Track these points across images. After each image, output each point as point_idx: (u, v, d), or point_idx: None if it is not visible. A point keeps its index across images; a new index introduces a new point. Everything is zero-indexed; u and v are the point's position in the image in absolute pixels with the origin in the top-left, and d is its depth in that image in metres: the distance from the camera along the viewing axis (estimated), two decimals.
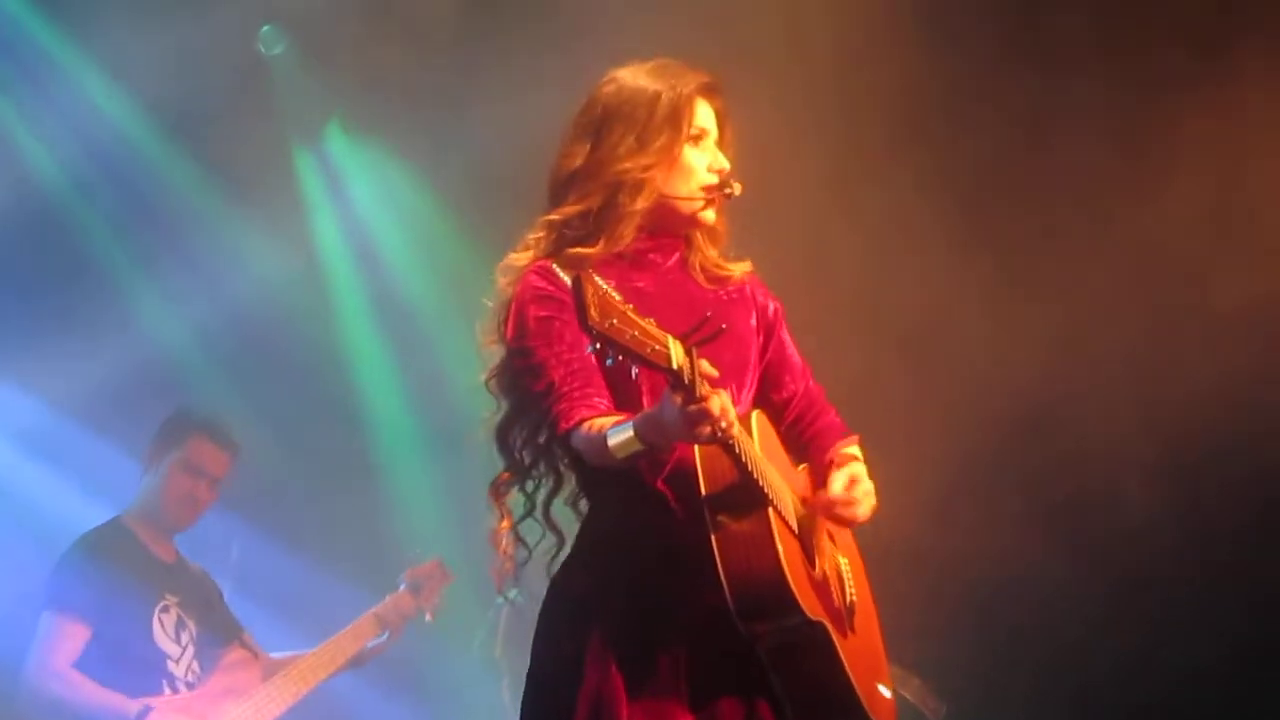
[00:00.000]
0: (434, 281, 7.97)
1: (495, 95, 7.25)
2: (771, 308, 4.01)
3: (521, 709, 3.71)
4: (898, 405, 6.72)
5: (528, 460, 3.77)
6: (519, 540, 3.76)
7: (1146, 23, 6.82)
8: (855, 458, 3.97)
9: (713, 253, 3.91)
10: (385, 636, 6.38)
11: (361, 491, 7.92)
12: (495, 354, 3.78)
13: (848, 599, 3.85)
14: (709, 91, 3.85)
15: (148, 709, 5.79)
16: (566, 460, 3.74)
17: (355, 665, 6.34)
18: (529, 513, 3.78)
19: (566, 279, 3.64)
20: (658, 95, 3.77)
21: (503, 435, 3.78)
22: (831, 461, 3.93)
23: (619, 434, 3.44)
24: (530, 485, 3.78)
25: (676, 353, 3.20)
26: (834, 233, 7.01)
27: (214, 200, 7.72)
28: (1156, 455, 6.82)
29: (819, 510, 3.80)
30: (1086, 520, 6.98)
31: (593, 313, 3.10)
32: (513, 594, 6.92)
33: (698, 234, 3.88)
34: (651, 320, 3.19)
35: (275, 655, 6.29)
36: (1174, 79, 6.72)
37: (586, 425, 3.54)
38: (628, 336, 3.13)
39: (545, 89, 6.59)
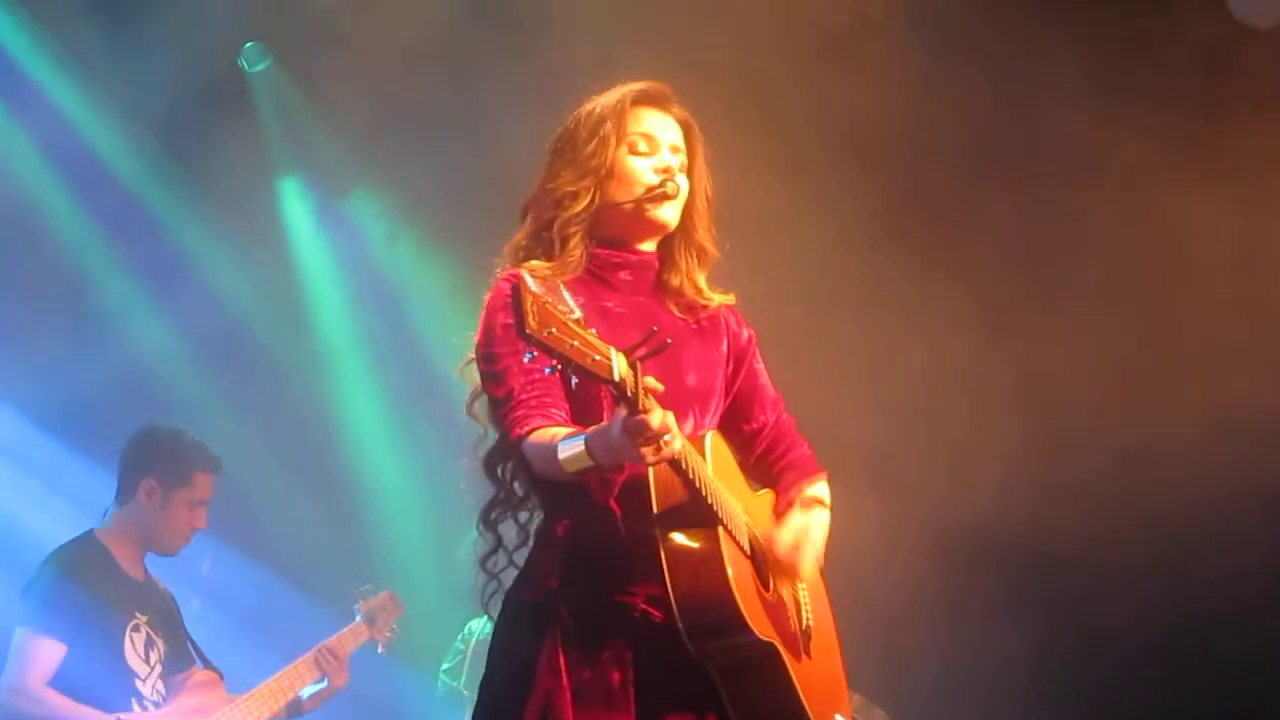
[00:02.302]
0: (412, 301, 7.98)
1: (473, 117, 7.28)
2: (745, 335, 4.01)
3: (474, 715, 3.72)
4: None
5: (520, 491, 3.76)
6: (511, 564, 3.75)
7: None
8: (819, 500, 3.95)
9: (699, 276, 3.92)
10: (324, 683, 6.36)
11: (332, 509, 7.93)
12: (473, 377, 3.78)
13: (804, 623, 3.84)
14: (652, 100, 3.87)
15: None
16: (523, 473, 3.72)
17: (295, 713, 6.32)
18: (522, 543, 3.77)
19: (533, 285, 3.64)
20: (592, 112, 3.83)
21: (491, 465, 3.77)
22: (793, 502, 3.91)
23: (570, 447, 3.43)
24: (523, 516, 3.78)
25: (619, 364, 3.19)
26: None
27: (191, 212, 7.73)
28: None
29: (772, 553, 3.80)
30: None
31: (530, 321, 3.10)
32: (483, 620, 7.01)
33: (681, 253, 3.89)
34: (593, 331, 3.19)
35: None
36: None
37: (540, 433, 3.53)
38: (567, 345, 3.13)
39: (524, 112, 6.69)
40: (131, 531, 6.14)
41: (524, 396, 3.60)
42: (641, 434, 3.26)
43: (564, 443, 3.44)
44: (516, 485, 3.76)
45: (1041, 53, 6.91)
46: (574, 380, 3.36)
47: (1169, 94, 6.77)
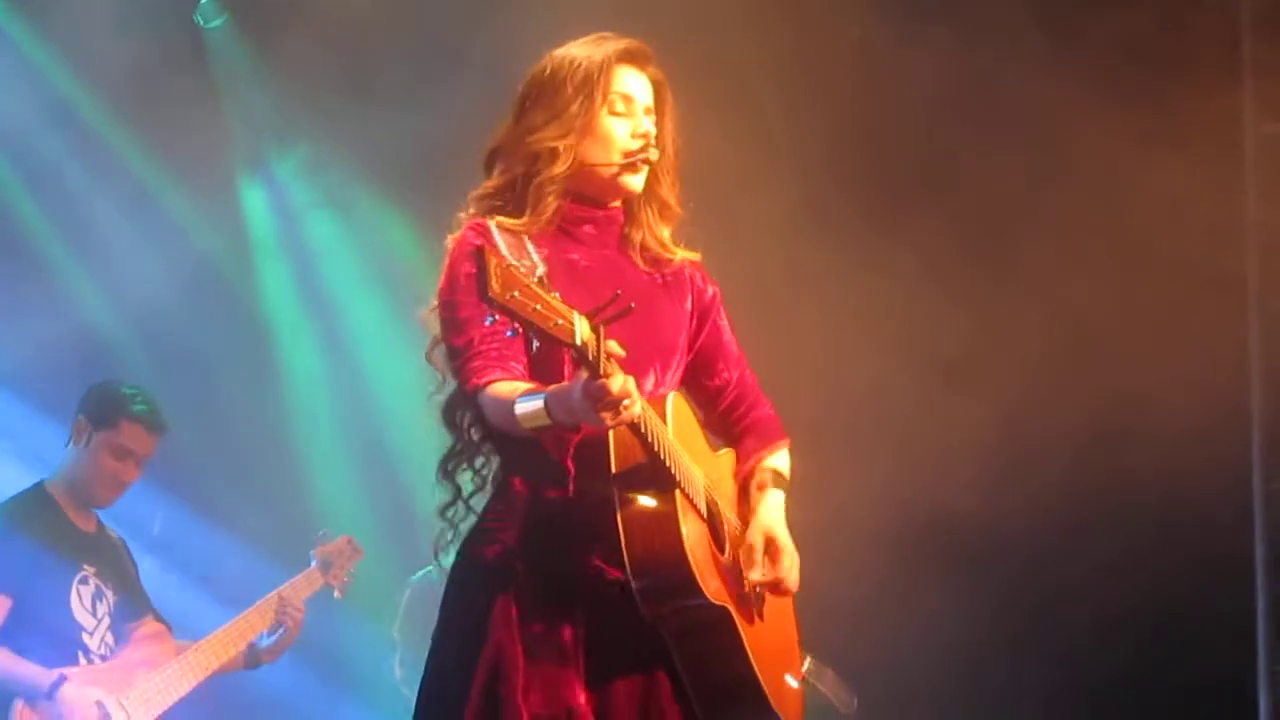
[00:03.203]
0: (361, 265, 7.99)
1: (428, 79, 7.26)
2: (710, 292, 4.01)
3: (425, 667, 3.72)
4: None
5: (476, 437, 3.76)
6: (470, 512, 3.75)
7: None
8: (779, 475, 3.97)
9: (663, 231, 3.92)
10: (281, 632, 6.35)
11: (283, 468, 7.92)
12: (435, 326, 3.77)
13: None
14: (633, 58, 3.85)
15: (62, 679, 5.76)
16: (479, 424, 3.72)
17: (253, 664, 6.31)
18: (479, 489, 3.77)
19: (500, 239, 3.66)
20: (575, 65, 3.79)
21: (449, 412, 3.77)
22: (753, 473, 3.95)
23: (528, 403, 3.42)
24: (480, 462, 3.77)
25: (582, 328, 3.19)
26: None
27: (144, 175, 7.67)
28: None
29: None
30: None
31: (494, 284, 3.08)
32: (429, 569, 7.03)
33: (645, 210, 3.89)
34: (557, 294, 3.19)
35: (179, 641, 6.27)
36: None
37: (497, 386, 3.53)
38: (530, 309, 3.12)
39: (480, 75, 6.67)
40: (71, 481, 6.11)
41: (482, 347, 3.59)
42: (601, 399, 3.26)
43: (522, 399, 3.44)
44: (473, 433, 3.75)
45: (1002, 23, 6.91)
46: (535, 342, 3.37)
47: (1128, 63, 6.80)
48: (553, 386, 3.42)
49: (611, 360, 3.26)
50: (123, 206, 7.64)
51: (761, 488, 3.94)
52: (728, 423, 4.03)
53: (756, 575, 3.80)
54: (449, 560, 3.78)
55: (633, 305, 3.26)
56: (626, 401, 3.29)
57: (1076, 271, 7.00)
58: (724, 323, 4.04)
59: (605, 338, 3.23)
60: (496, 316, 3.18)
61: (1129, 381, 6.76)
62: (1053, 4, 6.90)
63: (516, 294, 3.11)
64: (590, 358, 3.21)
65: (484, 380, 3.56)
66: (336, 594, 6.62)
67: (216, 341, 7.84)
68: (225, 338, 7.88)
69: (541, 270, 3.40)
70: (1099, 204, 6.97)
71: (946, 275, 6.99)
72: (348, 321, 8.02)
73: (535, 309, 3.13)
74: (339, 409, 8.09)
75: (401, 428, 7.50)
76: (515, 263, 3.21)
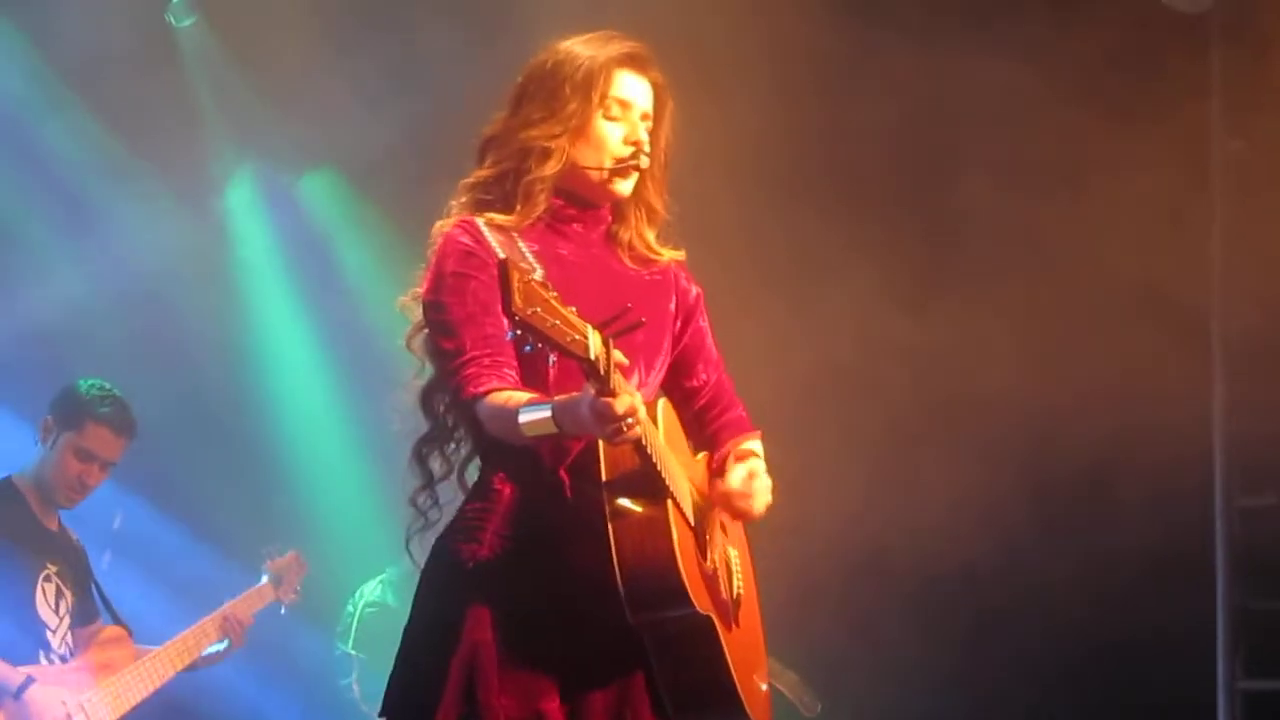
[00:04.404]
0: (339, 259, 7.99)
1: (404, 80, 7.26)
2: (693, 293, 4.02)
3: (396, 662, 3.71)
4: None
5: (450, 423, 3.77)
6: (435, 503, 3.77)
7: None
8: (755, 453, 3.99)
9: (649, 233, 3.92)
10: (225, 644, 6.35)
11: (247, 469, 7.91)
12: (417, 314, 3.78)
13: (735, 591, 3.87)
14: (634, 63, 3.84)
15: (30, 679, 5.75)
16: (466, 424, 3.74)
17: (191, 669, 6.32)
18: (446, 475, 3.78)
19: (491, 237, 3.67)
20: (576, 64, 3.78)
21: (427, 397, 3.78)
22: (729, 454, 3.95)
23: (533, 413, 3.44)
24: (450, 447, 3.78)
25: (594, 343, 3.21)
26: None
27: (119, 167, 7.64)
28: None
29: (716, 501, 3.84)
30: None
31: (516, 299, 3.11)
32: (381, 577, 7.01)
33: (631, 210, 3.89)
34: (573, 309, 3.21)
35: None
36: None
37: (495, 395, 3.55)
38: (549, 325, 3.14)
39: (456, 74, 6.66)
40: (38, 479, 6.10)
41: (476, 353, 3.60)
42: (608, 416, 3.30)
43: (526, 409, 3.46)
44: (448, 419, 3.76)
45: (969, 37, 6.93)
46: (526, 349, 3.38)
47: (1095, 78, 6.83)
48: (559, 398, 3.43)
49: (619, 373, 3.28)
50: (97, 203, 7.63)
51: (742, 456, 3.94)
52: (701, 423, 4.04)
53: (733, 483, 3.80)
54: (416, 550, 3.79)
55: (643, 320, 3.33)
56: (630, 420, 3.32)
57: (1037, 286, 7.03)
58: (705, 323, 4.05)
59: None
60: (518, 332, 3.19)
61: (1091, 400, 6.80)
62: (1022, 18, 6.90)
63: (539, 310, 3.14)
64: (601, 373, 3.24)
65: (482, 389, 3.57)
66: (284, 609, 6.68)
67: (191, 336, 7.84)
68: (202, 334, 7.88)
69: (540, 273, 3.40)
70: (1064, 219, 6.97)
71: (905, 290, 7.04)
72: (328, 313, 8.01)
73: (554, 324, 3.16)
74: (311, 411, 8.09)
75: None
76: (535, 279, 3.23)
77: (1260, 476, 6.96)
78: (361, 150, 7.60)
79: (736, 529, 4.01)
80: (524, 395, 3.53)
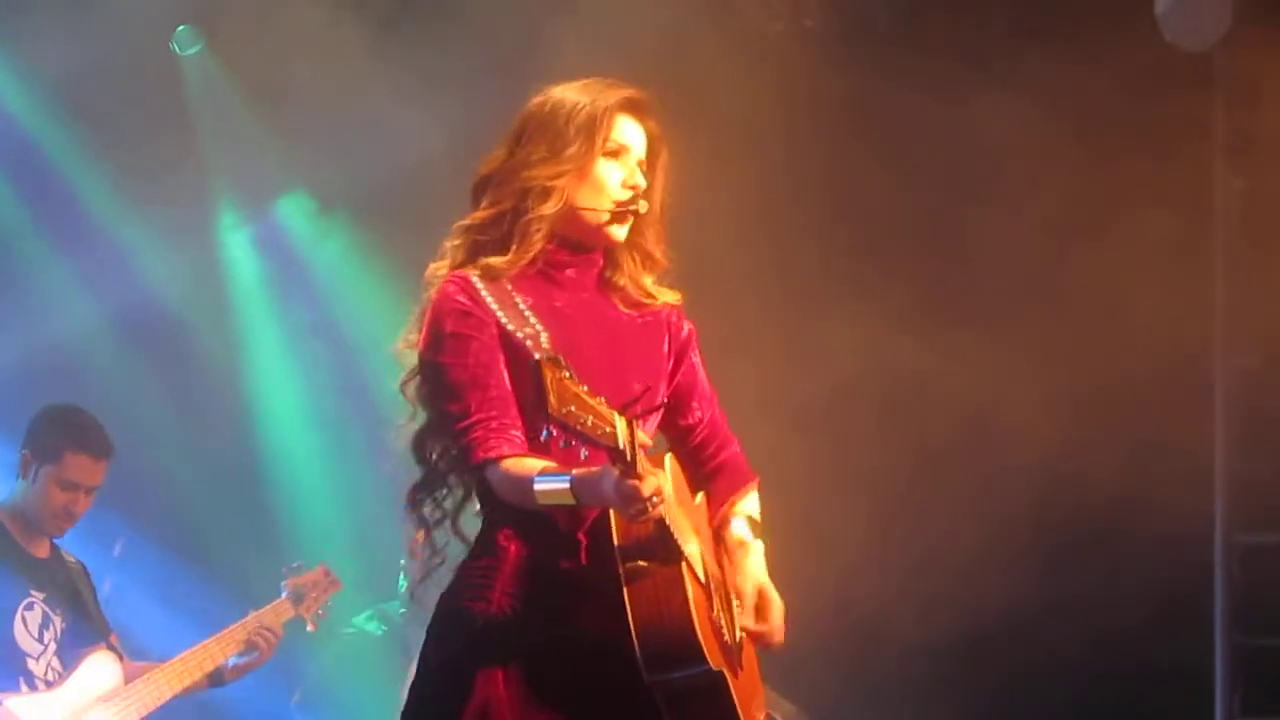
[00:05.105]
0: (336, 287, 7.99)
1: (401, 108, 7.27)
2: (685, 330, 4.00)
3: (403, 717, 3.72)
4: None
5: (443, 469, 3.77)
6: (434, 549, 3.77)
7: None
8: (754, 522, 3.97)
9: (645, 279, 3.91)
10: (254, 655, 6.29)
11: (249, 494, 7.91)
12: (410, 359, 3.78)
13: (737, 635, 3.86)
14: (634, 108, 3.84)
15: None
16: (473, 483, 3.75)
17: (217, 683, 6.28)
18: (440, 521, 3.78)
19: (485, 292, 3.67)
20: (578, 107, 3.78)
21: (419, 444, 3.78)
22: (728, 520, 3.94)
23: (549, 483, 3.47)
24: (442, 493, 3.78)
25: (622, 432, 3.27)
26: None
27: (116, 193, 7.65)
28: None
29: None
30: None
31: (552, 400, 3.19)
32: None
33: (626, 256, 3.88)
34: (602, 399, 3.27)
35: (136, 663, 6.22)
36: None
37: (507, 462, 3.57)
38: (581, 421, 3.22)
39: (457, 100, 6.66)
40: (21, 511, 6.07)
41: (482, 416, 3.61)
42: (634, 498, 3.34)
43: (543, 479, 3.49)
44: (441, 465, 3.77)
45: (972, 79, 6.95)
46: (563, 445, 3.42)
47: (1099, 118, 6.85)
48: (577, 471, 3.45)
49: (642, 454, 3.33)
50: (94, 225, 7.63)
51: (743, 543, 3.94)
52: (697, 461, 4.02)
53: (751, 625, 3.82)
54: (416, 598, 3.79)
55: (665, 401, 3.40)
56: (655, 499, 3.35)
57: (1044, 326, 7.03)
58: (697, 360, 4.03)
59: (592, 391, 3.29)
60: (552, 430, 3.29)
61: (1095, 437, 6.80)
62: (1023, 60, 6.91)
63: (573, 408, 3.22)
64: (629, 458, 3.29)
65: (494, 455, 3.58)
66: (309, 626, 6.54)
67: (188, 361, 7.85)
68: (197, 357, 7.89)
69: (545, 336, 3.47)
70: (1069, 258, 6.98)
71: (909, 332, 7.00)
72: (324, 341, 8.01)
73: (588, 421, 3.24)
74: (311, 432, 8.08)
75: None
76: (518, 330, 3.39)
77: (1260, 514, 6.95)
78: (368, 183, 7.59)
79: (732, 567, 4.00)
80: (537, 463, 3.55)
